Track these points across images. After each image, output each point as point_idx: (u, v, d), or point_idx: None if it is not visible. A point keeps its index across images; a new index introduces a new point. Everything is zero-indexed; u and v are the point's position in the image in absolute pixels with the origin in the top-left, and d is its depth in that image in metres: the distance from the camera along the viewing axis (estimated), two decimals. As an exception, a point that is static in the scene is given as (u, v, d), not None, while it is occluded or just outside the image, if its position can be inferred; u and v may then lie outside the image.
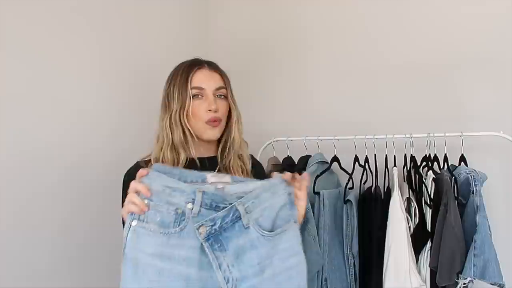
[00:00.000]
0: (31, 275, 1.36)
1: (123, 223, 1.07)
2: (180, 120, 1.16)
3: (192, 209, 0.92)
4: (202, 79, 1.19)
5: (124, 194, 1.12)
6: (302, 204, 1.06)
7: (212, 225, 0.92)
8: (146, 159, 1.18)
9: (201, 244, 0.91)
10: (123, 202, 1.12)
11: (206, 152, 1.22)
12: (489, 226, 1.46)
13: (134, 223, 0.91)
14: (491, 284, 1.43)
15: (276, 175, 1.04)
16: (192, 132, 1.18)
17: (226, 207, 0.94)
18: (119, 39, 1.70)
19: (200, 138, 1.20)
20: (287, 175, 1.04)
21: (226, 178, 1.01)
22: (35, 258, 1.38)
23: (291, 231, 1.00)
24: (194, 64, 1.21)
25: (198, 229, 0.91)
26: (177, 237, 0.91)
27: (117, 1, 1.68)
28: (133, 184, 0.96)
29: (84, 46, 1.55)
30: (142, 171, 0.97)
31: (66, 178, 1.49)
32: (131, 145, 1.55)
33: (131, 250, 0.90)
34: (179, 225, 0.92)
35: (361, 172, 1.71)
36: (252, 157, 1.34)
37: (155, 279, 0.89)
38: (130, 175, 1.13)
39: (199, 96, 1.18)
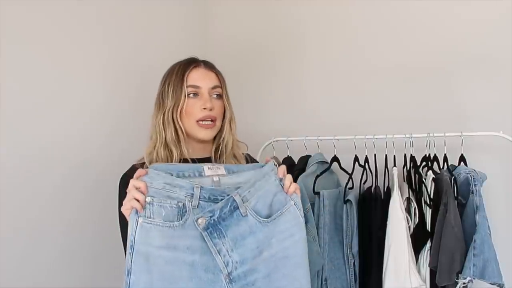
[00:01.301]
0: (31, 275, 1.37)
1: (121, 221, 1.10)
2: (173, 118, 1.17)
3: (192, 202, 1.00)
4: (198, 78, 1.19)
5: (120, 196, 1.13)
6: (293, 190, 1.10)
7: (211, 216, 0.99)
8: (141, 161, 1.19)
9: (201, 233, 0.99)
10: (119, 204, 1.13)
11: (202, 152, 1.23)
12: (488, 226, 1.46)
13: (140, 219, 0.96)
14: (490, 284, 1.43)
15: (268, 163, 1.11)
16: (183, 130, 1.18)
17: (223, 198, 1.02)
18: (117, 40, 1.70)
19: (194, 138, 1.20)
20: (281, 168, 1.11)
21: (221, 169, 1.07)
22: (35, 258, 1.38)
23: (288, 213, 1.06)
24: (190, 63, 1.21)
25: (196, 221, 0.98)
26: (180, 229, 0.98)
27: (115, 3, 1.68)
28: (133, 182, 0.98)
29: (83, 47, 1.56)
30: (141, 171, 1.00)
31: (66, 178, 1.49)
32: (131, 145, 1.55)
33: (140, 245, 0.95)
34: (182, 218, 0.99)
35: (361, 172, 1.71)
36: (249, 156, 1.34)
37: (164, 269, 0.96)
38: (125, 179, 1.14)
39: (195, 95, 1.18)
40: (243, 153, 1.29)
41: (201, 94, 1.19)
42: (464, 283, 1.45)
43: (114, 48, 1.68)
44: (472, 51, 1.80)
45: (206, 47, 2.16)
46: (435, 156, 1.64)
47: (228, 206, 1.01)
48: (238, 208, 1.02)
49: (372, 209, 1.60)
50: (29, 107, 1.39)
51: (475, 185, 1.48)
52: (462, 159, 1.63)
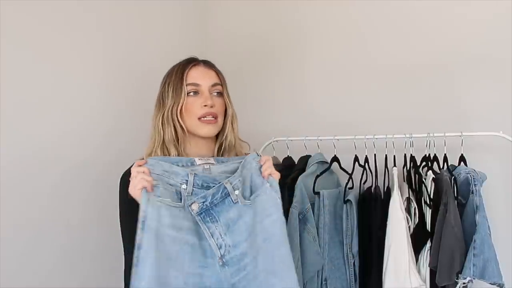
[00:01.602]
0: (31, 275, 1.37)
1: (122, 218, 1.15)
2: (171, 117, 1.17)
3: (186, 189, 1.06)
4: (198, 76, 1.19)
5: (121, 194, 1.13)
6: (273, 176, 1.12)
7: (203, 201, 1.06)
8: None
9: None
10: (121, 204, 1.14)
11: (206, 151, 1.23)
12: (488, 226, 1.46)
13: (152, 197, 1.01)
14: (490, 284, 1.43)
15: (251, 153, 1.15)
16: (184, 128, 1.18)
17: (215, 185, 1.08)
18: (117, 40, 1.70)
19: (197, 136, 1.19)
20: (264, 156, 1.14)
21: (211, 160, 1.15)
22: (35, 258, 1.38)
23: (264, 194, 1.09)
24: (190, 62, 1.22)
25: (190, 205, 1.05)
26: (183, 210, 1.05)
27: (115, 2, 1.68)
28: (136, 168, 1.05)
29: (82, 46, 1.56)
30: (140, 161, 1.07)
31: (65, 178, 1.49)
32: (130, 145, 1.55)
33: (152, 221, 0.99)
34: (180, 201, 1.06)
35: (361, 172, 1.71)
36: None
37: (170, 247, 1.00)
38: (125, 179, 1.14)
39: (195, 93, 1.18)
40: (246, 153, 1.28)
41: (201, 92, 1.19)
42: (464, 283, 1.45)
43: (113, 48, 1.68)
44: (472, 51, 1.80)
45: (205, 46, 2.16)
46: (435, 156, 1.64)
47: (220, 193, 1.07)
48: (229, 195, 1.08)
49: (372, 209, 1.60)
50: (28, 107, 1.39)
51: (475, 185, 1.48)
52: (462, 159, 1.63)
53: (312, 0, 2.07)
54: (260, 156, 1.14)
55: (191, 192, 1.06)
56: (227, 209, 1.07)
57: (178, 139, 1.18)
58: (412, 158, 1.66)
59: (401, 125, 1.74)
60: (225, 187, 1.08)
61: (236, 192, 1.08)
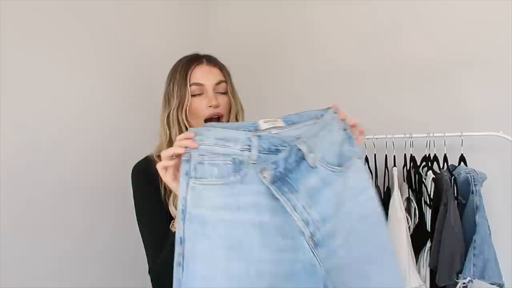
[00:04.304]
0: (32, 275, 1.36)
1: (137, 209, 1.11)
2: (178, 118, 1.16)
3: (250, 156, 0.85)
4: (201, 75, 1.18)
5: (136, 184, 1.13)
6: (362, 138, 1.00)
7: (275, 168, 0.83)
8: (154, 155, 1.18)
9: (267, 188, 0.82)
10: (135, 192, 1.13)
11: None
12: (488, 226, 1.46)
13: (191, 181, 0.83)
14: (490, 284, 1.43)
15: (329, 111, 0.98)
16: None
17: (285, 148, 0.86)
18: (118, 36, 1.69)
19: None
20: (341, 113, 0.99)
21: (279, 122, 0.92)
22: (36, 259, 1.38)
23: (355, 167, 0.92)
24: (193, 60, 1.20)
25: (261, 173, 0.82)
26: (239, 186, 0.83)
27: (116, 1, 1.68)
28: (178, 142, 0.87)
29: (84, 45, 1.55)
30: (189, 133, 0.87)
31: (68, 177, 1.49)
32: (132, 143, 1.55)
33: (193, 208, 0.81)
34: (239, 172, 0.84)
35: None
36: None
37: (227, 234, 0.81)
38: (138, 169, 1.15)
39: (199, 93, 1.17)
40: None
41: (205, 91, 1.18)
42: (464, 283, 1.45)
43: (115, 46, 1.67)
44: (472, 51, 1.80)
45: (206, 42, 2.15)
46: (435, 156, 1.64)
47: (293, 156, 0.84)
48: (304, 158, 0.85)
49: (372, 209, 1.60)
50: (29, 106, 1.38)
51: (475, 185, 1.49)
52: (462, 159, 1.63)
53: (313, 0, 2.08)
54: (337, 112, 0.96)
55: (257, 159, 0.84)
56: (305, 175, 0.85)
57: None
58: (412, 158, 1.66)
59: (401, 125, 1.74)
60: (298, 149, 0.85)
61: (312, 155, 0.86)
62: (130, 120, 1.71)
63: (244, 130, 0.88)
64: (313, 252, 0.81)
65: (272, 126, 0.90)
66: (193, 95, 1.17)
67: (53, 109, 1.46)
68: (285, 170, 0.83)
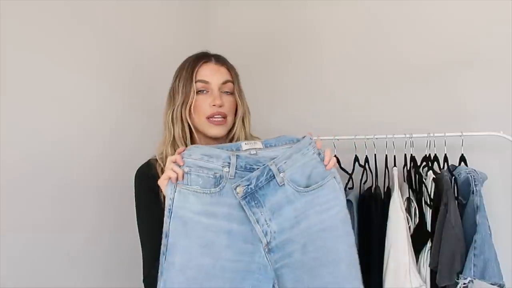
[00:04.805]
0: (34, 278, 1.36)
1: (139, 213, 1.14)
2: (181, 115, 1.16)
3: (229, 171, 1.00)
4: (208, 73, 1.17)
5: (137, 190, 1.14)
6: (331, 165, 1.08)
7: (248, 185, 0.99)
8: (155, 157, 1.18)
9: (239, 202, 0.99)
10: (137, 198, 1.14)
11: None
12: (489, 226, 1.46)
13: (178, 186, 0.98)
14: (491, 284, 1.43)
15: (305, 138, 1.09)
16: (192, 128, 1.17)
17: (259, 167, 1.01)
18: (118, 36, 1.68)
19: (206, 135, 1.18)
20: (317, 142, 1.10)
21: (258, 144, 1.07)
22: (37, 260, 1.38)
23: (328, 186, 1.05)
24: (201, 58, 1.19)
25: (235, 189, 0.99)
26: (217, 196, 0.99)
27: (116, 0, 1.68)
28: (170, 158, 1.02)
29: (85, 46, 1.55)
30: (181, 148, 1.04)
31: (71, 180, 1.48)
32: (133, 144, 1.55)
33: (179, 209, 0.97)
34: (218, 186, 0.99)
35: (361, 172, 1.71)
36: None
37: (202, 234, 0.97)
38: (140, 175, 1.15)
39: (205, 91, 1.16)
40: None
41: (211, 90, 1.17)
42: (464, 283, 1.45)
43: (114, 44, 1.66)
44: (472, 51, 1.80)
45: (207, 41, 2.14)
46: (435, 156, 1.64)
47: (264, 175, 1.00)
48: (274, 177, 1.01)
49: (372, 209, 1.60)
50: (29, 107, 1.38)
51: (475, 185, 1.48)
52: (462, 159, 1.63)
53: (313, 0, 2.07)
54: (313, 139, 1.09)
55: (234, 175, 1.00)
56: (273, 192, 1.01)
57: (186, 138, 1.17)
58: (412, 158, 1.66)
59: (401, 125, 1.75)
60: (270, 169, 1.01)
61: (281, 174, 1.01)
62: (131, 120, 1.71)
63: (227, 150, 1.02)
64: (266, 257, 0.99)
65: (251, 147, 1.05)
66: (198, 93, 1.16)
67: (53, 109, 1.45)
68: (255, 187, 0.99)
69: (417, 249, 1.54)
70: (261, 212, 0.99)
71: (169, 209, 0.97)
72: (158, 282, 0.95)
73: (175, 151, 1.14)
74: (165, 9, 1.96)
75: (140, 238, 1.13)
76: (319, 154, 1.08)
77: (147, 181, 1.12)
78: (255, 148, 1.05)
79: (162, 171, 1.10)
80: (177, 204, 0.97)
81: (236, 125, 1.21)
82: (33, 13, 1.38)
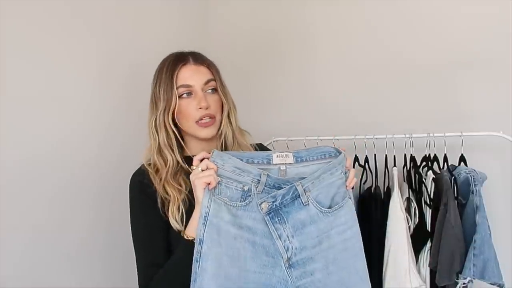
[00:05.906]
0: (32, 278, 1.36)
1: (133, 219, 1.12)
2: (164, 122, 1.13)
3: (257, 187, 1.04)
4: (188, 76, 1.14)
5: (133, 200, 1.13)
6: (352, 184, 1.11)
7: (273, 201, 1.02)
8: (149, 162, 1.16)
9: (263, 217, 1.03)
10: (132, 205, 1.13)
11: (209, 150, 1.21)
12: (488, 226, 1.46)
13: (213, 196, 1.02)
14: (490, 284, 1.43)
15: (340, 156, 1.10)
16: (183, 132, 1.16)
17: (287, 186, 1.04)
18: (117, 35, 1.68)
19: (197, 138, 1.17)
20: (348, 161, 1.11)
21: (289, 158, 1.09)
22: (34, 259, 1.38)
23: (347, 207, 1.08)
24: (179, 60, 1.16)
25: (260, 204, 1.02)
26: (243, 210, 1.03)
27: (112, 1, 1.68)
28: (207, 162, 1.02)
29: (82, 46, 1.55)
30: (206, 153, 1.04)
31: (67, 180, 1.48)
32: (131, 143, 1.54)
33: (214, 217, 1.00)
34: (245, 200, 1.03)
35: (361, 172, 1.71)
36: (262, 146, 1.33)
37: (231, 244, 1.00)
38: (136, 179, 1.14)
39: (188, 95, 1.14)
40: (251, 144, 1.25)
41: (194, 92, 1.14)
42: (464, 283, 1.46)
43: (114, 46, 1.66)
44: (472, 51, 1.80)
45: (205, 41, 2.14)
46: (435, 156, 1.64)
47: (290, 194, 1.03)
48: (299, 196, 1.04)
49: (372, 209, 1.60)
50: (27, 108, 1.38)
51: (475, 185, 1.49)
52: (462, 159, 1.63)
53: (312, 0, 2.07)
54: (346, 157, 1.10)
55: (261, 191, 1.04)
56: (297, 211, 1.04)
57: (171, 144, 1.15)
58: (412, 158, 1.66)
59: (401, 125, 1.75)
60: (296, 189, 1.04)
61: (307, 194, 1.04)
62: (130, 120, 1.70)
63: (258, 162, 1.07)
64: (286, 272, 1.02)
65: (283, 162, 1.08)
66: (181, 97, 1.13)
67: (53, 109, 1.45)
68: (280, 204, 1.03)
69: (417, 249, 1.54)
70: (284, 229, 1.03)
71: (205, 216, 1.00)
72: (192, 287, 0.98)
73: (162, 159, 1.14)
74: (165, 9, 1.96)
75: (135, 245, 1.11)
76: (345, 173, 1.10)
77: (143, 188, 1.11)
78: (285, 164, 1.08)
79: (154, 178, 1.11)
80: (212, 212, 1.00)
81: (223, 122, 1.19)
82: (33, 13, 1.38)
